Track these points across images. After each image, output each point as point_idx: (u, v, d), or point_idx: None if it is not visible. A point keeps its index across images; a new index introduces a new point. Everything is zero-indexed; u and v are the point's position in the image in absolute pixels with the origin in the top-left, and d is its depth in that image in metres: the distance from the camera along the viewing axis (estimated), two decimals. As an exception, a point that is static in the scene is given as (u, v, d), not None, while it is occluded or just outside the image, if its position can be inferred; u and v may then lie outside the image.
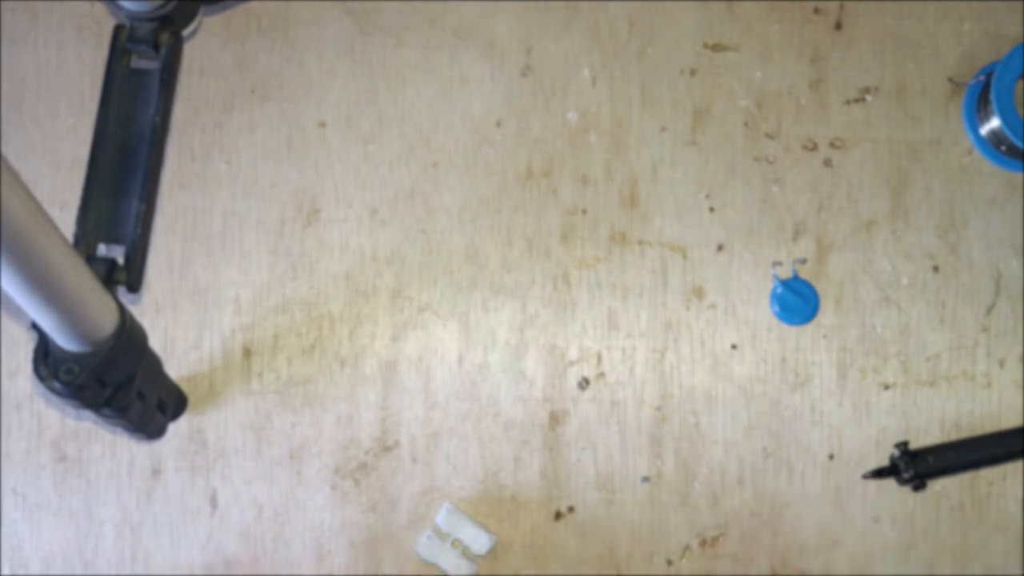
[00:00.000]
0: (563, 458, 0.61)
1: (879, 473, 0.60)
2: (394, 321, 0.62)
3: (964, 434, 0.61)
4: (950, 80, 0.64)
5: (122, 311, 0.49)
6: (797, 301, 0.61)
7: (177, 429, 0.60)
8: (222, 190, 0.63)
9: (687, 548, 0.60)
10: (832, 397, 0.61)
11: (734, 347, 0.62)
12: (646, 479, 0.60)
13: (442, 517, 0.59)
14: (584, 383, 0.61)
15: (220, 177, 0.63)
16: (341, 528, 0.60)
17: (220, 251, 0.62)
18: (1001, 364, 0.62)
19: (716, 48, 0.65)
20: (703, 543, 0.60)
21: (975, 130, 0.63)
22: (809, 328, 0.62)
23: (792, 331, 0.62)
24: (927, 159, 0.64)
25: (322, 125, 0.64)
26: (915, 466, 0.59)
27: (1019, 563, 0.60)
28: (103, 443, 0.60)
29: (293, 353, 0.61)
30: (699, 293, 0.62)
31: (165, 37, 0.62)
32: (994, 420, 0.61)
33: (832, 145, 0.64)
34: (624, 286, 0.62)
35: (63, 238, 0.42)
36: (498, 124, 0.64)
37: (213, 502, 0.60)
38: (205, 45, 0.64)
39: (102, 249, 0.60)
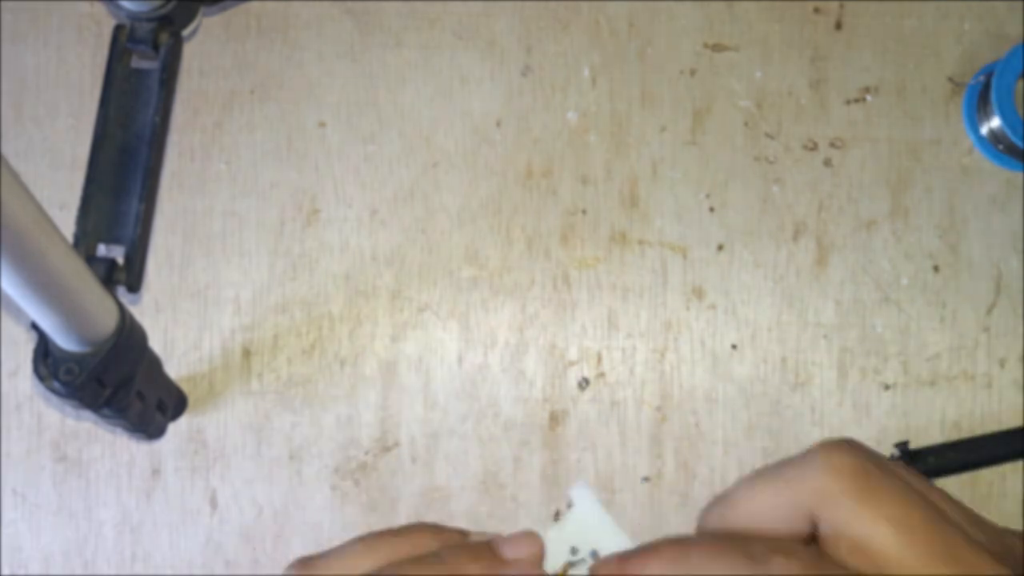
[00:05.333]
0: (563, 458, 0.61)
1: (879, 473, 0.60)
2: (394, 321, 0.62)
3: (964, 434, 0.61)
4: (950, 80, 0.64)
5: (122, 311, 0.49)
6: None
7: (177, 429, 0.60)
8: (222, 190, 0.63)
9: (687, 548, 0.60)
10: (832, 397, 0.61)
11: (734, 347, 0.62)
12: (646, 479, 0.60)
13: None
14: (584, 383, 0.61)
15: (220, 177, 0.63)
16: (341, 528, 0.60)
17: (220, 251, 0.62)
18: (1002, 364, 0.62)
19: (716, 48, 0.65)
20: (703, 543, 0.60)
21: (975, 130, 0.63)
22: (809, 328, 0.62)
23: (792, 331, 0.62)
24: (927, 159, 0.64)
25: (322, 125, 0.64)
26: (915, 466, 0.59)
27: (1019, 563, 0.60)
28: (103, 443, 0.60)
29: (293, 353, 0.61)
30: (699, 293, 0.62)
31: (165, 37, 0.62)
32: (994, 420, 0.61)
33: (832, 145, 0.64)
34: (624, 286, 0.62)
35: (63, 238, 0.42)
36: (498, 124, 0.64)
37: (213, 502, 0.60)
38: (205, 45, 0.64)
39: (102, 249, 0.60)
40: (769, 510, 0.36)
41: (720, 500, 0.39)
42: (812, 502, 0.35)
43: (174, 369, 0.61)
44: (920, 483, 0.37)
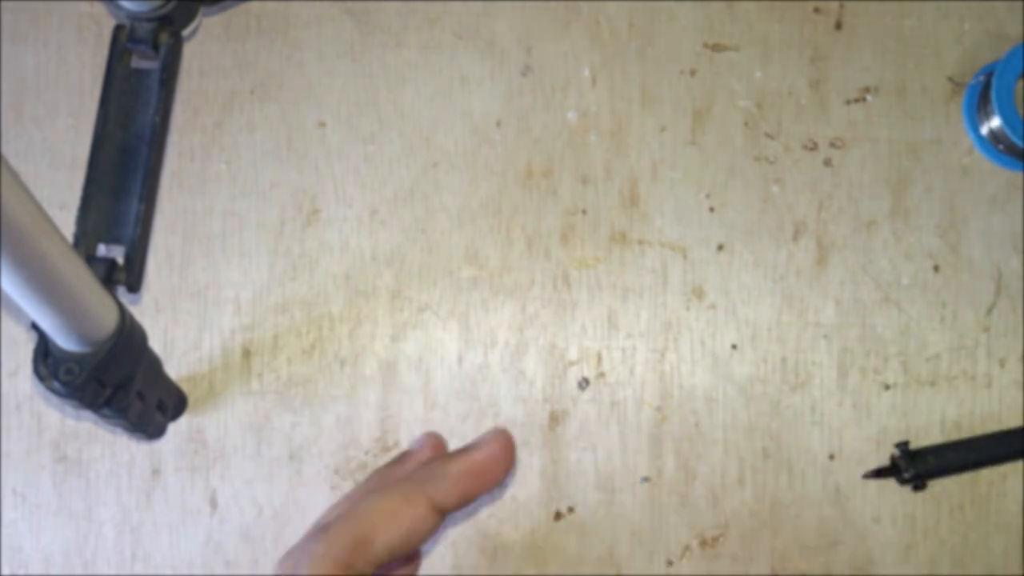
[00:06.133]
0: (563, 458, 0.61)
1: (879, 473, 0.60)
2: (394, 321, 0.62)
3: (964, 434, 0.61)
4: (950, 80, 0.64)
5: (122, 311, 0.49)
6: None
7: (177, 429, 0.60)
8: (222, 190, 0.63)
9: (687, 548, 0.60)
10: (832, 397, 0.61)
11: (734, 347, 0.62)
12: (646, 479, 0.60)
13: None
14: (584, 383, 0.61)
15: (220, 177, 0.63)
16: (341, 528, 0.60)
17: (220, 251, 0.62)
18: (1002, 364, 0.62)
19: (716, 48, 0.65)
20: (703, 543, 0.60)
21: (975, 130, 0.63)
22: (809, 328, 0.62)
23: (792, 331, 0.62)
24: (927, 159, 0.64)
25: (322, 125, 0.64)
26: (915, 466, 0.59)
27: (1020, 563, 0.60)
28: (103, 443, 0.60)
29: (293, 353, 0.61)
30: (699, 293, 0.62)
31: (165, 37, 0.62)
32: (995, 420, 0.61)
33: (832, 145, 0.64)
34: (624, 286, 0.62)
35: (63, 238, 0.42)
36: (498, 124, 0.64)
37: (213, 502, 0.60)
38: (205, 45, 0.64)
39: (102, 249, 0.60)
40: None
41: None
42: None
43: (174, 369, 0.61)
44: None
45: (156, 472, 0.60)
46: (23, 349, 0.61)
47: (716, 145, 0.64)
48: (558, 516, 0.60)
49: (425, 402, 0.61)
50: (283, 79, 0.64)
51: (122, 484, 0.60)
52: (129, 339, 0.49)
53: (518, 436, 0.61)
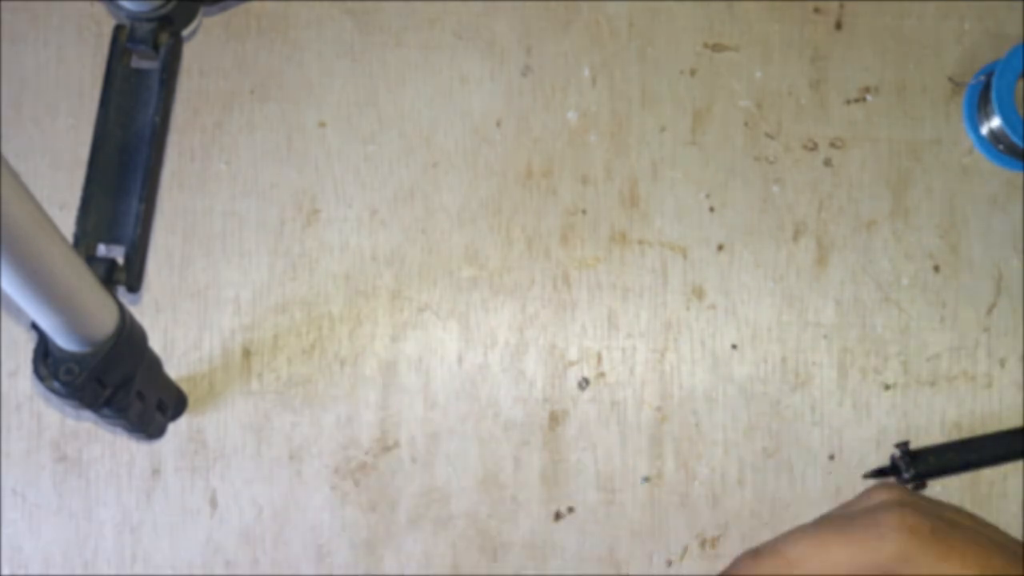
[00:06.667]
0: (563, 458, 0.61)
1: (880, 473, 0.60)
2: (394, 321, 0.62)
3: (965, 434, 0.61)
4: (950, 80, 0.64)
5: (122, 311, 0.49)
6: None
7: (177, 429, 0.60)
8: (222, 190, 0.63)
9: (687, 548, 0.60)
10: (832, 397, 0.61)
11: (734, 347, 0.62)
12: (646, 479, 0.60)
13: None
14: (584, 383, 0.61)
15: (220, 177, 0.63)
16: (341, 528, 0.60)
17: (220, 251, 0.62)
18: (1002, 364, 0.62)
19: (716, 48, 0.65)
20: (703, 543, 0.60)
21: (976, 130, 0.63)
22: (809, 328, 0.62)
23: (792, 331, 0.62)
24: (927, 159, 0.64)
25: (322, 125, 0.64)
26: (916, 466, 0.59)
27: (1019, 563, 0.60)
28: (103, 443, 0.60)
29: (293, 353, 0.61)
30: (699, 293, 0.62)
31: (165, 37, 0.62)
32: (995, 420, 0.61)
33: (832, 145, 0.64)
34: (624, 286, 0.62)
35: (63, 238, 0.42)
36: (498, 124, 0.64)
37: (213, 502, 0.60)
38: (205, 45, 0.64)
39: (102, 249, 0.60)
40: (840, 568, 0.38)
41: (767, 554, 0.39)
42: (892, 564, 0.38)
43: (174, 369, 0.61)
44: (968, 519, 0.38)
45: (156, 472, 0.60)
46: (23, 349, 0.61)
47: (716, 145, 0.64)
48: (558, 516, 0.60)
49: (425, 402, 0.61)
50: (283, 79, 0.64)
51: (122, 484, 0.60)
52: (129, 339, 0.49)
53: (518, 436, 0.61)
